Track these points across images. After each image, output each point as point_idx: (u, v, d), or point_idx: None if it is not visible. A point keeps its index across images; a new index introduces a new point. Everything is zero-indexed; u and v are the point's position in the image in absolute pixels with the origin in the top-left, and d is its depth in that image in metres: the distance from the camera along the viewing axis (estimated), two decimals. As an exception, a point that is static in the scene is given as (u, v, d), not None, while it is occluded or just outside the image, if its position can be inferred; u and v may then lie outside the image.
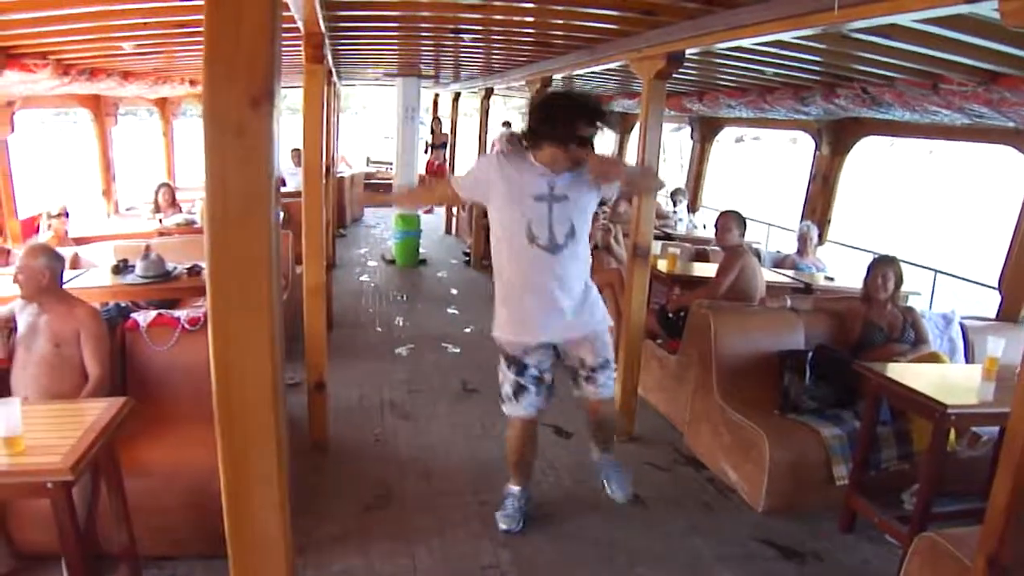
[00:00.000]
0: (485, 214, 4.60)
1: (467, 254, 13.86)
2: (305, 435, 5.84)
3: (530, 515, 4.95)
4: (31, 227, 8.31)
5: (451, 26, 6.58)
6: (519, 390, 4.53)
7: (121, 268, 6.70)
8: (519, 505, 4.90)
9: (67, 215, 7.99)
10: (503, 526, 4.83)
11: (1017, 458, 2.86)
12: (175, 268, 6.72)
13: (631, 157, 4.66)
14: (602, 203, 5.11)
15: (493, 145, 14.47)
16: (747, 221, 7.30)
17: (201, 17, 1.74)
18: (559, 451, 6.00)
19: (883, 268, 5.84)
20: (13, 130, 7.85)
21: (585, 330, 4.49)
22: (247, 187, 1.75)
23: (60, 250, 5.00)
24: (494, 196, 4.34)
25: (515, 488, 4.93)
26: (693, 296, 7.17)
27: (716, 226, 7.43)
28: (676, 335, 6.83)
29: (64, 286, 4.79)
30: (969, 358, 6.24)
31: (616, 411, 5.24)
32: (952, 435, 4.89)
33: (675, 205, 12.16)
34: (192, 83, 10.59)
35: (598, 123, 4.25)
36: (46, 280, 4.50)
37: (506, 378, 4.57)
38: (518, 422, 4.64)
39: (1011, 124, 5.93)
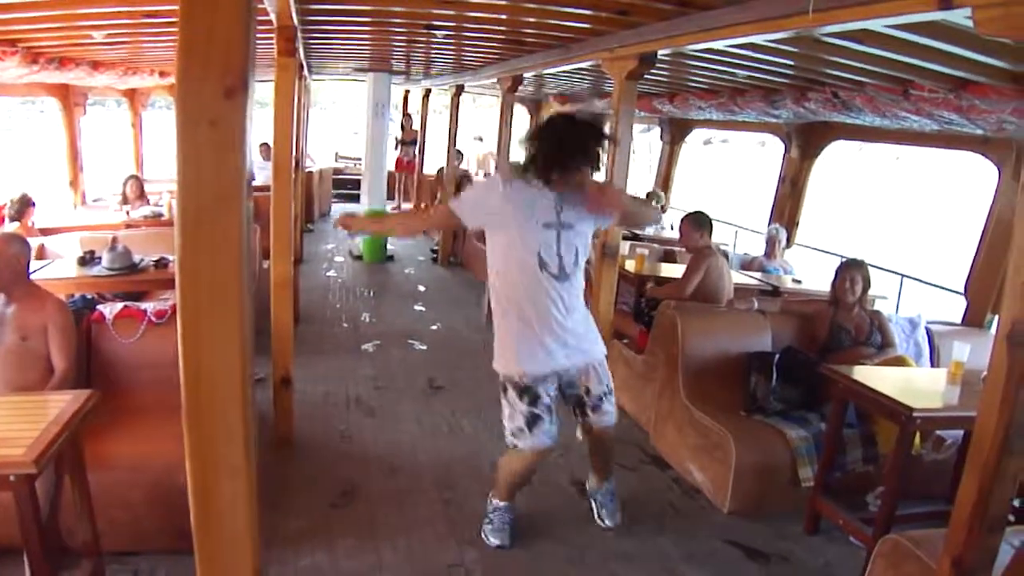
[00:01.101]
0: (478, 237, 4.55)
1: (435, 251, 13.85)
2: (270, 430, 5.82)
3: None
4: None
5: (424, 21, 6.56)
6: (533, 420, 4.36)
7: (87, 260, 6.64)
8: (508, 519, 4.79)
9: (32, 204, 7.84)
10: (496, 541, 4.73)
11: (983, 461, 2.88)
12: (142, 260, 6.66)
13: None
14: (595, 235, 4.96)
15: (493, 170, 14.43)
16: (712, 222, 7.32)
17: (173, 8, 1.73)
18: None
19: (851, 272, 5.89)
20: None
21: (588, 357, 4.50)
22: (220, 178, 1.73)
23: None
24: (499, 222, 4.29)
25: (503, 503, 4.79)
26: (663, 291, 7.22)
27: (680, 230, 7.47)
28: (649, 326, 6.83)
29: (31, 277, 4.74)
30: (935, 362, 6.30)
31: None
32: (917, 438, 4.95)
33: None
34: (162, 74, 10.50)
35: (605, 143, 4.21)
36: (20, 266, 4.48)
37: (516, 411, 4.39)
38: (531, 454, 4.46)
39: (980, 131, 5.97)
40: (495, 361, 4.47)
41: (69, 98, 10.04)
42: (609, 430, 4.73)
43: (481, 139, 14.68)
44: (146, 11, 5.14)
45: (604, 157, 4.27)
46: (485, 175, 17.78)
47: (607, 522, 4.96)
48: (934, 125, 6.15)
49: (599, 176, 4.39)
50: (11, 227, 7.53)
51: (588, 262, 4.79)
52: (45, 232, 7.98)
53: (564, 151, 4.10)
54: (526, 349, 4.32)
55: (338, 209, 18.61)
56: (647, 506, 5.38)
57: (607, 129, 4.28)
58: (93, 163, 11.07)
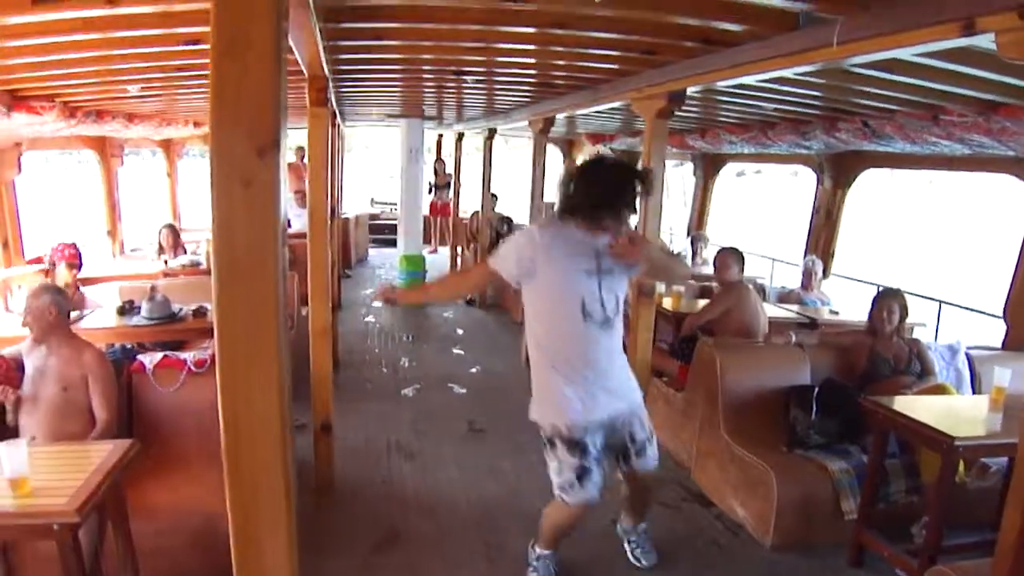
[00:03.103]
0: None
1: (471, 298, 13.80)
2: (311, 477, 5.83)
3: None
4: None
5: (453, 68, 6.61)
6: (583, 473, 4.21)
7: (127, 309, 6.70)
8: (552, 568, 4.72)
9: (80, 266, 7.59)
10: None
11: (1026, 490, 2.85)
12: (181, 309, 6.72)
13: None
14: None
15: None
16: (744, 257, 7.33)
17: (204, 61, 1.76)
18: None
19: (888, 301, 5.86)
20: (20, 171, 7.87)
21: (630, 403, 4.41)
22: (254, 235, 1.76)
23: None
24: (541, 274, 4.15)
25: (547, 551, 4.70)
26: (687, 324, 7.23)
27: (715, 264, 7.47)
28: (688, 359, 6.80)
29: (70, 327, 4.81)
30: (976, 388, 6.23)
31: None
32: (961, 467, 4.87)
33: (695, 255, 11.41)
34: (196, 124, 10.65)
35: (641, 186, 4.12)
36: (52, 316, 4.54)
37: (565, 464, 4.23)
38: (578, 508, 4.30)
39: (1011, 153, 5.94)
40: (534, 411, 4.34)
41: (106, 150, 10.21)
42: (652, 474, 4.62)
43: (496, 197, 14.44)
44: (179, 64, 5.23)
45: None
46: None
47: (643, 562, 4.93)
48: (965, 149, 6.13)
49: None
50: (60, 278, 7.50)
51: (626, 302, 4.73)
52: (85, 282, 8.06)
53: (615, 195, 4.02)
54: (573, 399, 4.19)
55: (375, 254, 18.73)
56: (691, 543, 5.35)
57: (640, 168, 4.26)
58: (130, 213, 11.20)
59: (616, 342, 4.31)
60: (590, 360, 4.19)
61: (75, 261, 7.32)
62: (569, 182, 4.18)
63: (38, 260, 8.25)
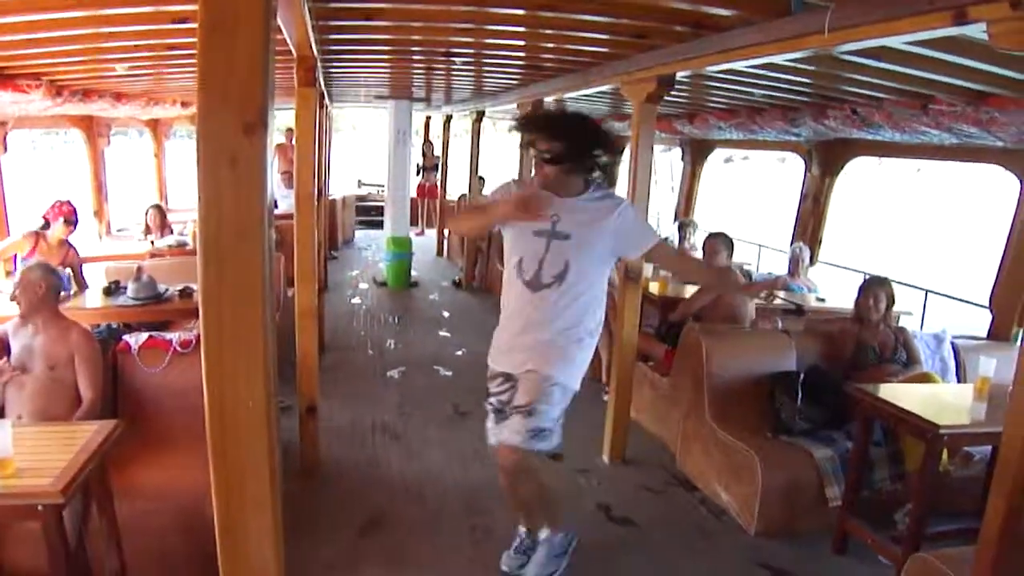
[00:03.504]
0: (500, 258, 4.35)
1: (458, 280, 13.84)
2: (296, 459, 5.82)
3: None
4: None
5: (443, 49, 6.60)
6: (486, 415, 4.36)
7: (113, 290, 6.69)
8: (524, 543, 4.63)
9: (76, 223, 7.51)
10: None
11: (1010, 478, 2.86)
12: (167, 290, 6.71)
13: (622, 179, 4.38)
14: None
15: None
16: (734, 242, 7.33)
17: (192, 40, 1.75)
18: (549, 474, 5.95)
19: (874, 289, 5.87)
20: (6, 150, 7.81)
21: (541, 372, 4.03)
22: (241, 214, 1.75)
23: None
24: (505, 226, 4.16)
25: (522, 529, 4.65)
26: (678, 312, 7.23)
27: (704, 249, 7.48)
28: (673, 345, 6.83)
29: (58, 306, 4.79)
30: (961, 377, 6.25)
31: (538, 487, 4.36)
32: (944, 455, 4.89)
33: (683, 241, 11.53)
34: (184, 104, 10.59)
35: (600, 143, 4.01)
36: (42, 291, 4.52)
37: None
38: (493, 451, 4.23)
39: (1000, 143, 5.95)
40: None
41: (93, 129, 10.15)
42: (507, 452, 4.06)
43: (483, 179, 14.40)
44: (167, 43, 5.20)
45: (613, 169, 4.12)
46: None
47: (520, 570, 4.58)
48: (954, 139, 6.13)
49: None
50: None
51: (611, 283, 4.67)
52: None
53: (568, 153, 3.92)
54: (495, 344, 4.28)
55: (361, 236, 18.69)
56: (675, 527, 5.36)
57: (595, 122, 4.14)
58: (117, 193, 11.16)
59: (549, 311, 4.04)
60: (513, 313, 4.17)
61: (71, 217, 7.30)
62: (523, 127, 4.15)
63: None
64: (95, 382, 4.58)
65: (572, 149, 3.93)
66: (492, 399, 4.29)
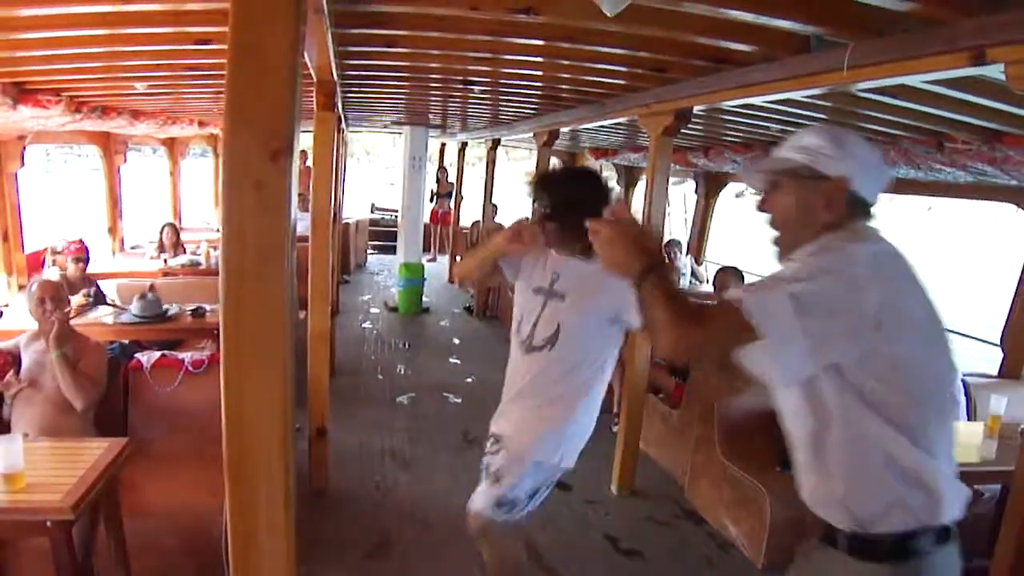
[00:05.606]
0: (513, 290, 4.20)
1: (469, 307, 13.84)
2: (306, 482, 5.83)
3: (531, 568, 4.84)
4: (36, 262, 8.31)
5: (460, 77, 6.62)
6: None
7: (118, 307, 6.73)
8: None
9: (87, 260, 7.64)
10: None
11: (1020, 517, 2.86)
12: (168, 309, 6.74)
13: (636, 210, 4.27)
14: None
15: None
16: (744, 276, 7.36)
17: (214, 61, 1.78)
18: (559, 503, 5.95)
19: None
20: (23, 164, 7.87)
21: (515, 440, 3.86)
22: (265, 238, 1.76)
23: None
24: (517, 280, 3.98)
25: None
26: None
27: (714, 283, 7.50)
28: (685, 379, 6.81)
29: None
30: (971, 415, 6.21)
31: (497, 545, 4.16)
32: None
33: (672, 259, 11.49)
34: (201, 124, 10.65)
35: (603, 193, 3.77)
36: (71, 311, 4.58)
37: None
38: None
39: (1013, 182, 5.96)
40: None
41: (110, 146, 10.22)
42: (471, 515, 3.98)
43: (496, 207, 14.42)
44: (188, 64, 5.23)
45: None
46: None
47: None
48: (968, 176, 6.14)
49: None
50: (50, 272, 7.53)
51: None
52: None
53: (566, 203, 3.65)
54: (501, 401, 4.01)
55: (374, 261, 18.71)
56: (682, 560, 5.36)
57: (604, 180, 3.93)
58: (131, 210, 11.21)
59: (540, 377, 3.79)
60: (509, 377, 3.96)
61: (81, 255, 7.42)
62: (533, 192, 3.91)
63: (37, 255, 8.28)
64: (95, 376, 4.66)
65: (559, 204, 3.71)
66: (483, 457, 4.01)
